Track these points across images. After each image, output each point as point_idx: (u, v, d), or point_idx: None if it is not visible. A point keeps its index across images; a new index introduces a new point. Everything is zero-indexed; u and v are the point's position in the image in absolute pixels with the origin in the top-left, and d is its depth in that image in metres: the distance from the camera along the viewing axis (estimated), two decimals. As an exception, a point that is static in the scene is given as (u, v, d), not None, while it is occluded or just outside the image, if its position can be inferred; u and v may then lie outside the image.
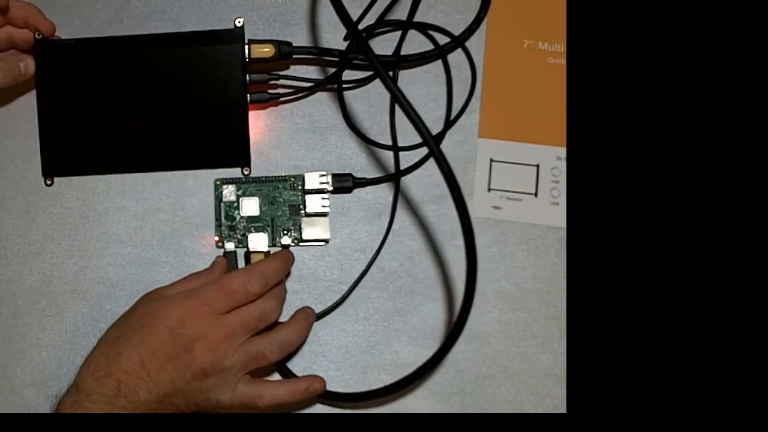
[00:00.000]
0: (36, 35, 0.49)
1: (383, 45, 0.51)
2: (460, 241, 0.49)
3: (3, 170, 0.51)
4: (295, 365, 0.48)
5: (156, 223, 0.50)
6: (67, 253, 0.50)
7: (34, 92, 0.50)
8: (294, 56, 0.49)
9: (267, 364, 0.44)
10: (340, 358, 0.48)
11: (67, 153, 0.49)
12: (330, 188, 0.49)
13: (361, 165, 0.50)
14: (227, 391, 0.43)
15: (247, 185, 0.49)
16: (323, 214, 0.49)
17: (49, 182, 0.50)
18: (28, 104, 0.51)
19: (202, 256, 0.49)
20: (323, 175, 0.49)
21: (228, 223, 0.49)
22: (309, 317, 0.47)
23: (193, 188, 0.50)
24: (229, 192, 0.49)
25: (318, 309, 0.49)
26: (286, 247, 0.49)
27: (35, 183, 0.50)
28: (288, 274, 0.49)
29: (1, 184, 0.51)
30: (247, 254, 0.48)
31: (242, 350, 0.43)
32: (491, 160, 0.50)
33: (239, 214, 0.49)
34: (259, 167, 0.50)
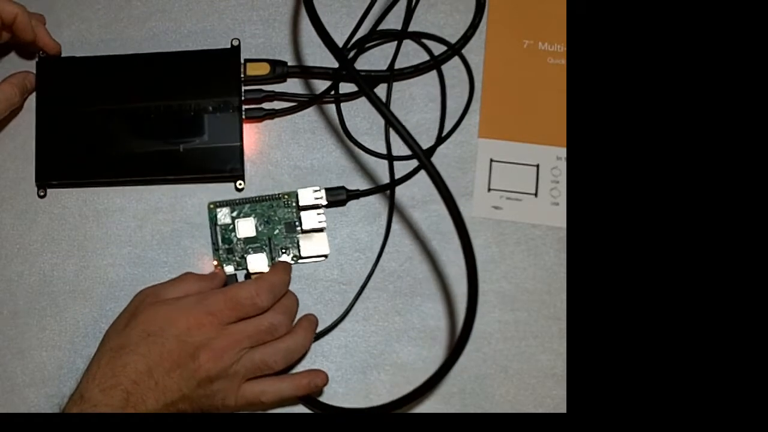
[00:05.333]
0: (40, 54, 0.50)
1: (378, 55, 0.51)
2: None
3: (3, 170, 0.51)
4: (295, 364, 0.48)
5: (156, 223, 0.50)
6: (67, 253, 0.50)
7: (33, 94, 0.50)
8: (289, 74, 0.50)
9: (270, 373, 0.44)
10: (340, 358, 0.48)
11: (63, 166, 0.49)
12: (324, 203, 0.49)
13: (360, 175, 0.50)
14: (232, 395, 0.43)
15: (241, 206, 0.49)
16: (320, 230, 0.49)
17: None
18: (27, 106, 0.51)
19: (202, 256, 0.49)
20: (317, 191, 0.49)
21: (225, 246, 0.49)
22: (312, 324, 0.47)
23: (192, 188, 0.50)
24: (223, 215, 0.49)
25: (318, 308, 0.49)
26: None
27: (35, 183, 0.50)
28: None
29: (1, 184, 0.51)
30: (248, 276, 0.48)
31: (246, 358, 0.43)
32: (491, 160, 0.50)
33: (236, 236, 0.49)
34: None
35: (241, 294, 0.43)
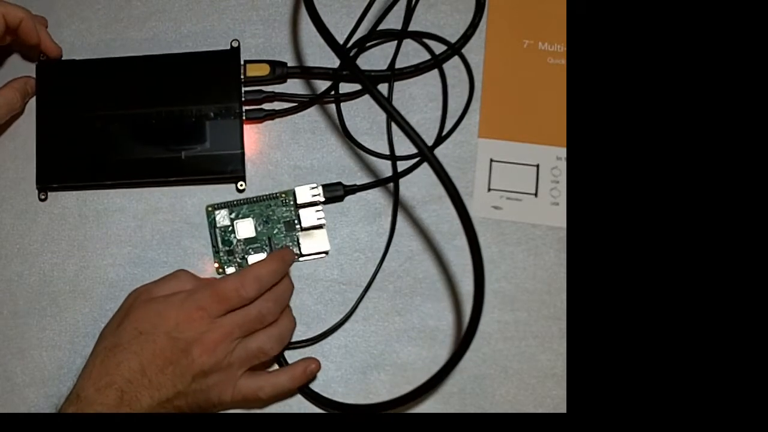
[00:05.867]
0: (40, 57, 0.50)
1: (378, 55, 0.51)
2: (459, 241, 0.49)
3: (3, 170, 0.51)
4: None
5: (156, 223, 0.50)
6: (67, 253, 0.50)
7: (34, 96, 0.51)
8: (289, 75, 0.50)
9: (267, 360, 0.45)
10: (340, 358, 0.48)
11: (63, 170, 0.49)
12: (322, 199, 0.49)
13: (360, 175, 0.50)
14: (228, 389, 0.43)
15: (239, 207, 0.49)
16: (319, 226, 0.49)
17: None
18: (28, 105, 0.51)
19: (202, 256, 0.49)
20: (314, 188, 0.49)
21: (225, 248, 0.49)
22: (288, 305, 0.47)
23: (192, 188, 0.50)
24: (222, 217, 0.49)
25: (318, 308, 0.49)
26: None
27: (35, 182, 0.50)
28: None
29: (1, 184, 0.51)
30: None
31: (241, 348, 0.43)
32: (491, 160, 0.50)
33: (236, 237, 0.49)
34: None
35: (227, 287, 0.43)
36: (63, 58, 0.51)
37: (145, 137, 0.49)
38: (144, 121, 0.49)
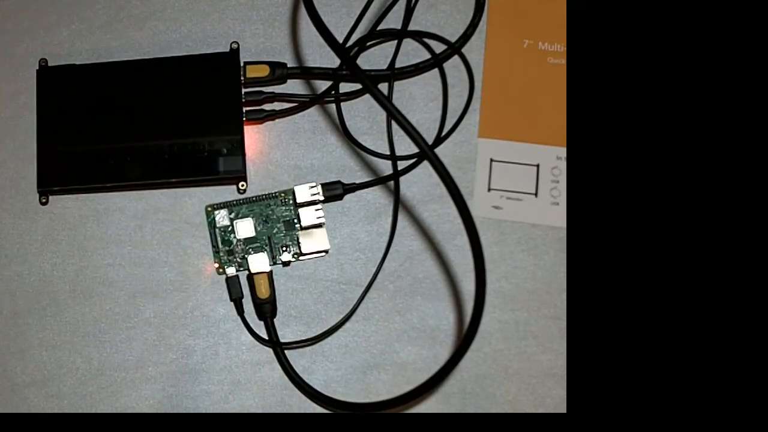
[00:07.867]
0: (40, 62, 0.50)
1: (378, 55, 0.51)
2: (460, 241, 0.49)
3: (3, 170, 0.51)
4: (295, 365, 0.48)
5: (156, 223, 0.50)
6: (67, 253, 0.50)
7: (33, 92, 0.50)
8: (288, 75, 0.50)
9: None
10: (340, 358, 0.48)
11: (65, 173, 0.49)
12: (321, 198, 0.49)
13: (360, 174, 0.50)
14: None
15: (238, 207, 0.49)
16: (319, 225, 0.49)
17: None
18: (28, 104, 0.51)
19: (202, 256, 0.49)
20: (313, 187, 0.49)
21: (225, 248, 0.49)
22: None
23: (192, 188, 0.50)
24: (221, 217, 0.49)
25: (318, 308, 0.49)
26: (287, 264, 0.49)
27: (35, 183, 0.50)
28: None
29: (1, 184, 0.51)
30: (250, 277, 0.48)
31: None
32: (491, 160, 0.50)
33: (235, 237, 0.49)
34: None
35: None
36: (63, 63, 0.51)
37: (146, 140, 0.49)
38: (144, 124, 0.49)
